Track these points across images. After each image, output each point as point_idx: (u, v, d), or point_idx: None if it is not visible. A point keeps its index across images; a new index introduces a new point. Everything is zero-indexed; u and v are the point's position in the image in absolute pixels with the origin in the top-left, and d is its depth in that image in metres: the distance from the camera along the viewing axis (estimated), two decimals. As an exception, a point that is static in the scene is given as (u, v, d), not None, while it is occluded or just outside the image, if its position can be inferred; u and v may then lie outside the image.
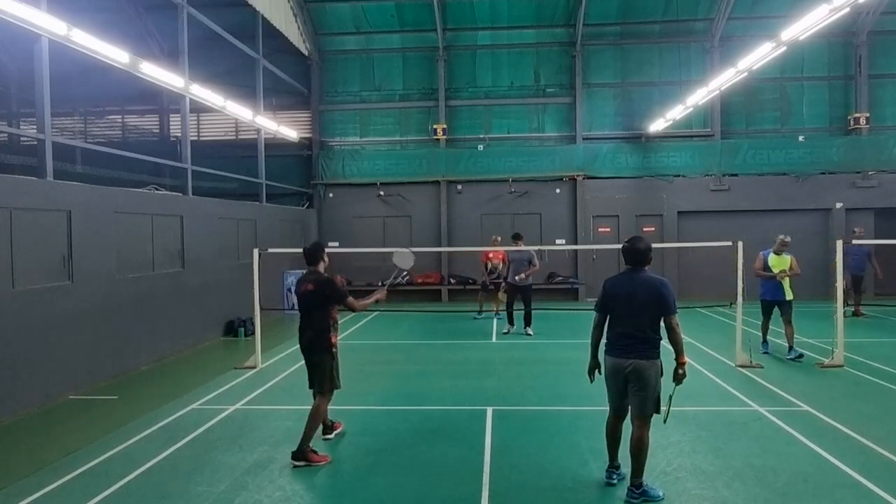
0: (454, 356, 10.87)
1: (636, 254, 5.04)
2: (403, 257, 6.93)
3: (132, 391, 8.81)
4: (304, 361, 6.37)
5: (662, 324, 4.95)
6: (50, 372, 8.16)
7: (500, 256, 13.90)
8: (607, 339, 5.09)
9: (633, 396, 4.97)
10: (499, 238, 14.23)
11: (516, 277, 12.39)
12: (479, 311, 14.55)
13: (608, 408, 5.34)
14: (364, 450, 6.32)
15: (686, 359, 5.00)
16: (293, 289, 16.64)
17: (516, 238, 12.89)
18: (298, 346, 6.34)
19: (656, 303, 4.87)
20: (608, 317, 5.11)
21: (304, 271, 6.42)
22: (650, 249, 5.07)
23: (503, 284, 13.15)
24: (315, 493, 5.40)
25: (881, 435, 6.38)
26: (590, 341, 5.26)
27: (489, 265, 14.42)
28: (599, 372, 5.23)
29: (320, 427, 6.35)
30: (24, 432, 7.08)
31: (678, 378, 4.96)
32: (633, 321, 4.91)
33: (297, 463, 5.86)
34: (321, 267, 6.32)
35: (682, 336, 5.00)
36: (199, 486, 5.47)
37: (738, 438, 6.44)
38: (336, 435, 6.60)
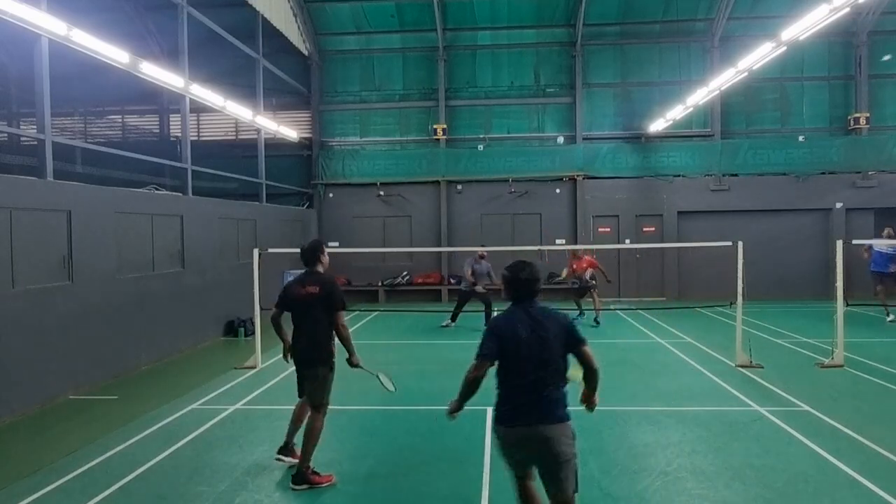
0: (454, 356, 10.86)
1: (528, 283, 3.91)
2: (386, 380, 6.07)
3: (132, 391, 8.81)
4: (296, 370, 5.78)
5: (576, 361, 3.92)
6: (50, 372, 8.15)
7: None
8: (500, 399, 3.84)
9: (552, 480, 3.75)
10: (485, 253, 14.15)
11: (476, 288, 13.52)
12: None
13: (513, 477, 4.06)
14: (364, 449, 6.32)
15: (597, 398, 4.07)
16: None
17: (482, 257, 13.77)
18: (294, 354, 5.71)
19: (565, 339, 3.80)
20: (500, 370, 3.85)
21: (300, 272, 5.75)
22: (539, 279, 3.97)
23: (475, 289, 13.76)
24: (315, 492, 5.39)
25: (881, 435, 6.37)
26: (462, 389, 3.90)
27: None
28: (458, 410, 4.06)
29: (283, 443, 5.89)
30: (24, 432, 7.08)
31: (588, 405, 4.08)
32: (542, 370, 3.72)
33: (296, 487, 5.34)
34: (320, 269, 5.70)
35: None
36: (199, 486, 5.47)
37: (738, 438, 6.44)
38: (288, 462, 5.75)
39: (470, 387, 3.86)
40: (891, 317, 13.49)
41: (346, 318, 5.60)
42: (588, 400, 4.03)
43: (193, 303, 11.82)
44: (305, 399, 5.74)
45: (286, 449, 5.85)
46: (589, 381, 3.95)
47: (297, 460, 5.63)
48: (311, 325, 5.54)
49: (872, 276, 13.72)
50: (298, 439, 5.74)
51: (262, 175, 16.04)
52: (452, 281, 18.56)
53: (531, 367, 3.71)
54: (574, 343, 3.81)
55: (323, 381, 5.59)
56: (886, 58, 17.74)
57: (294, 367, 5.80)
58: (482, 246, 14.30)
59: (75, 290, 8.68)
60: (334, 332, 5.60)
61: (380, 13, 18.56)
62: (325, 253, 5.80)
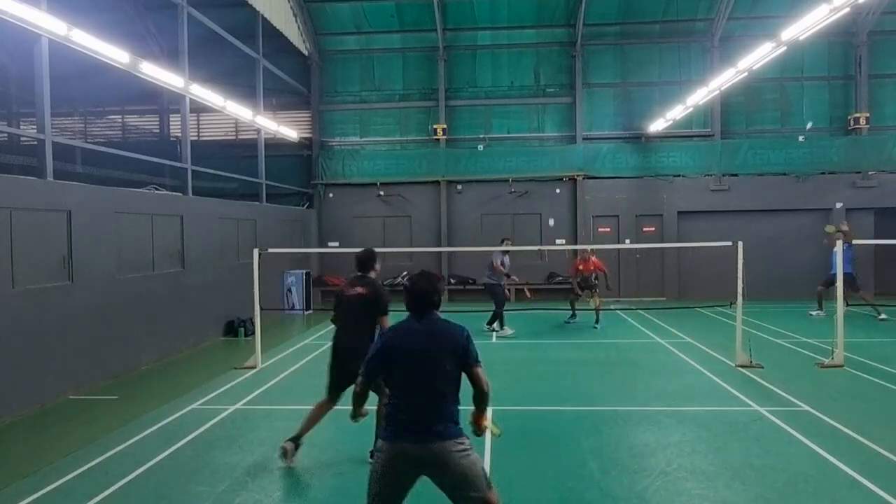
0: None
1: (427, 295, 3.77)
2: None
3: (132, 391, 8.81)
4: (331, 368, 5.92)
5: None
6: (50, 372, 8.15)
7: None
8: (388, 413, 3.68)
9: (460, 494, 3.61)
10: (510, 242, 13.95)
11: (513, 277, 13.23)
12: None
13: None
14: (364, 450, 6.31)
15: (486, 421, 3.91)
16: (293, 287, 16.65)
17: (506, 252, 13.19)
18: (334, 351, 5.90)
19: (459, 356, 3.67)
20: (392, 384, 3.72)
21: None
22: (438, 291, 3.83)
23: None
24: (315, 492, 5.40)
25: (881, 435, 6.37)
26: (354, 407, 4.05)
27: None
28: (365, 417, 4.18)
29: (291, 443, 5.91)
30: (24, 432, 7.08)
31: (478, 432, 3.94)
32: (430, 385, 3.59)
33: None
34: (372, 275, 6.10)
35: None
36: (199, 486, 5.47)
37: (738, 438, 6.44)
38: (290, 449, 5.83)
39: (358, 399, 3.98)
40: (815, 313, 14.22)
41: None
42: (476, 422, 3.88)
43: (193, 303, 11.82)
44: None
45: (297, 441, 5.88)
46: (477, 403, 3.82)
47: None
48: (358, 324, 5.78)
49: (829, 277, 13.77)
50: (329, 417, 5.98)
51: (262, 175, 16.04)
52: (453, 281, 18.56)
53: (418, 382, 3.59)
54: (466, 361, 3.68)
55: None
56: (809, 125, 17.73)
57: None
58: (507, 240, 13.66)
59: (75, 290, 8.68)
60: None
61: (380, 13, 18.56)
62: (378, 262, 6.24)
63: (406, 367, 3.62)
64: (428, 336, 3.68)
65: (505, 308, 12.99)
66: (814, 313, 14.36)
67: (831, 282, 13.64)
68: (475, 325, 13.13)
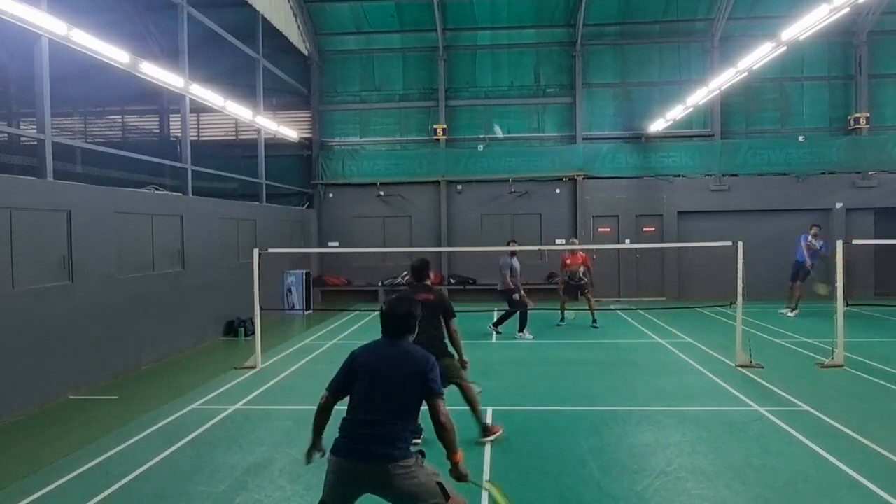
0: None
1: (399, 319, 3.81)
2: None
3: (132, 391, 8.81)
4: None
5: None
6: (50, 372, 8.15)
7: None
8: (340, 427, 3.66)
9: None
10: (516, 243, 13.59)
11: (515, 296, 12.46)
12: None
13: None
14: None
15: (461, 455, 3.71)
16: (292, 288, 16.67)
17: (513, 254, 12.64)
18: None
19: (419, 385, 3.62)
20: (351, 399, 3.70)
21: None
22: (414, 315, 3.86)
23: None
24: (315, 493, 5.37)
25: (881, 435, 6.37)
26: (313, 423, 3.79)
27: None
28: (322, 455, 3.81)
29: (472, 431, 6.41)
30: (23, 432, 7.08)
31: (459, 478, 3.72)
32: (382, 407, 3.57)
33: (485, 439, 6.37)
34: (428, 282, 6.61)
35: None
36: (199, 486, 5.47)
37: (738, 438, 6.44)
38: (493, 438, 6.42)
39: (319, 416, 3.76)
40: (792, 313, 14.74)
41: (456, 326, 6.39)
42: (452, 463, 3.70)
43: (193, 303, 11.82)
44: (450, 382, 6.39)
45: (485, 430, 6.47)
46: (440, 439, 3.66)
47: (497, 433, 6.51)
48: (430, 327, 6.12)
49: (795, 266, 14.92)
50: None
51: (262, 175, 16.04)
52: (453, 281, 18.56)
53: (374, 402, 3.59)
54: (427, 393, 3.63)
55: (453, 367, 6.31)
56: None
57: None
58: (514, 241, 13.15)
59: (75, 290, 8.68)
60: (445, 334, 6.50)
61: (380, 13, 18.56)
62: (431, 269, 6.82)
63: (365, 384, 3.64)
64: (393, 359, 3.70)
65: (530, 308, 12.52)
66: (791, 313, 14.80)
67: (795, 276, 14.90)
68: (475, 326, 13.15)
